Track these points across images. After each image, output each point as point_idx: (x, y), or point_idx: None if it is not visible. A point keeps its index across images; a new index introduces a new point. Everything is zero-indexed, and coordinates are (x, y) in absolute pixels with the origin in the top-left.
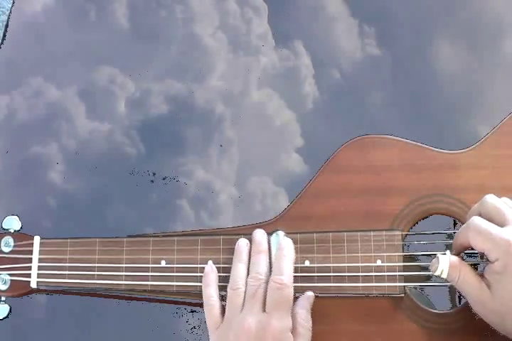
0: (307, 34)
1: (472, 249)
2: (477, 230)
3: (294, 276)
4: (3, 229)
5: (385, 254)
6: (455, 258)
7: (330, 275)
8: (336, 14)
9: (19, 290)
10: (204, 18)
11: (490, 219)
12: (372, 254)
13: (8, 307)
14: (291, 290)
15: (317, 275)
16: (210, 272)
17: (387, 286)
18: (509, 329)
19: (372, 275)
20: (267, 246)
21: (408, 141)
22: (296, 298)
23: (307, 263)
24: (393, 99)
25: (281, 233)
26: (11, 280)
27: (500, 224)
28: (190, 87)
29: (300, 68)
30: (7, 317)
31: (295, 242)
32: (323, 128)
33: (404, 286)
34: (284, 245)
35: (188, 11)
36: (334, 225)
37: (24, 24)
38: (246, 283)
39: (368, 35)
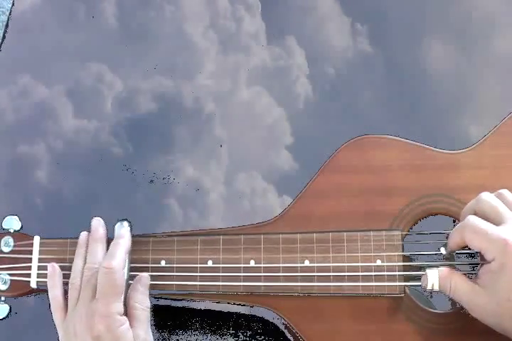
0: (299, 32)
1: (468, 248)
2: (473, 229)
3: (294, 276)
4: (3, 229)
5: (384, 254)
6: (443, 269)
7: (330, 275)
8: (328, 12)
9: (19, 290)
10: (194, 16)
11: (485, 218)
12: (372, 254)
13: (8, 307)
14: (120, 276)
15: (317, 275)
16: (54, 274)
17: (387, 286)
18: (507, 330)
19: (372, 275)
20: (102, 234)
21: (408, 140)
22: None
23: (307, 263)
24: (384, 98)
25: (125, 223)
26: (11, 280)
27: (496, 222)
28: (179, 85)
29: (291, 67)
30: (7, 317)
31: (295, 242)
32: (313, 126)
33: (404, 286)
34: (121, 234)
35: (179, 9)
36: (334, 225)
37: (12, 22)
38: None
39: (360, 34)
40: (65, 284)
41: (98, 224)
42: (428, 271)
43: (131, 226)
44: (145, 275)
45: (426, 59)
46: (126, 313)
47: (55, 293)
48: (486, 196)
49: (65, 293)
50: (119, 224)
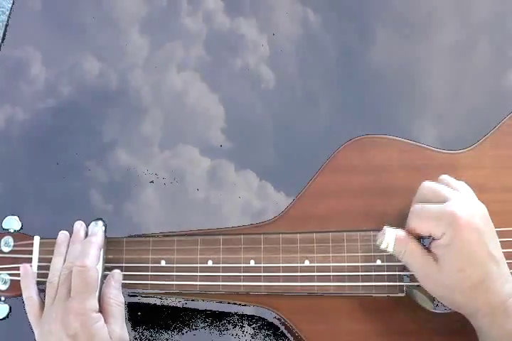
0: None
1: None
2: (416, 213)
3: (294, 276)
4: (3, 229)
5: (384, 254)
6: (402, 233)
7: (330, 275)
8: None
9: (19, 290)
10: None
11: (429, 202)
12: (372, 254)
13: (8, 307)
14: (93, 273)
15: (317, 275)
16: (26, 275)
17: (387, 286)
18: (457, 303)
19: (372, 275)
20: (82, 236)
21: (408, 140)
22: None
23: (307, 263)
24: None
25: (100, 222)
26: (11, 280)
27: (440, 202)
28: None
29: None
30: (7, 317)
31: (295, 242)
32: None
33: (404, 286)
34: (94, 232)
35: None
36: (334, 225)
37: None
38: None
39: (314, 24)
40: None
41: (80, 227)
42: (387, 229)
43: (105, 225)
44: (117, 271)
45: (379, 52)
46: (101, 310)
47: (29, 293)
48: (425, 183)
49: (43, 292)
50: (93, 223)
